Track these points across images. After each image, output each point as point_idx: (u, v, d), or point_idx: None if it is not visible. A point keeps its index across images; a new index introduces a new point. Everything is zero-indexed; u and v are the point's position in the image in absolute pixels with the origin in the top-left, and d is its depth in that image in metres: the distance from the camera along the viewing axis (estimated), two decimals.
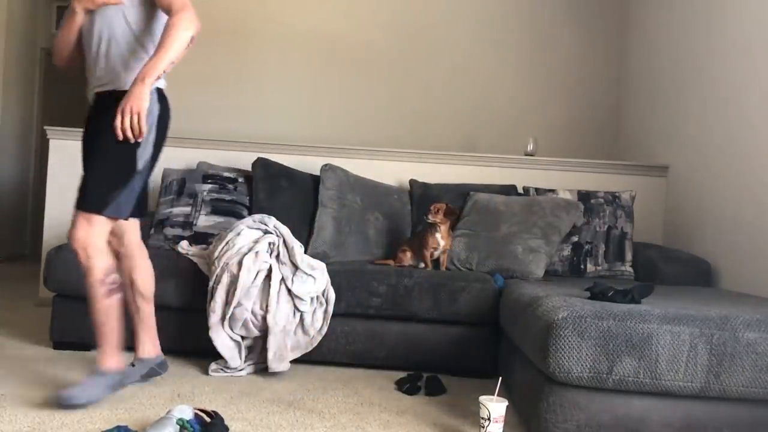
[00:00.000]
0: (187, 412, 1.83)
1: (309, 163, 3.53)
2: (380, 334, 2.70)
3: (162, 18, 2.10)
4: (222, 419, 1.87)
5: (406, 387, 2.42)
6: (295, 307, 2.58)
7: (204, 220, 3.13)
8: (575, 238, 3.19)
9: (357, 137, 4.36)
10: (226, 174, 3.31)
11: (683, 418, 1.79)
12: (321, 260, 2.78)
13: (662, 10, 3.81)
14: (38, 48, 6.12)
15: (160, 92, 2.18)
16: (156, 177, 3.51)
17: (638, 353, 1.75)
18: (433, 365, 2.66)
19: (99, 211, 2.00)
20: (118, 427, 1.77)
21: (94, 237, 2.01)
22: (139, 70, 1.98)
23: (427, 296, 2.67)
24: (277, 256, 2.63)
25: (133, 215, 2.17)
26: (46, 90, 6.20)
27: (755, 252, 2.71)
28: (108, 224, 2.05)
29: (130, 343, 2.30)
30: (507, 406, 1.89)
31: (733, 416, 1.79)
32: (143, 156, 2.08)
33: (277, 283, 2.56)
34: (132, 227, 2.26)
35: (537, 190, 3.39)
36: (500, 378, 2.10)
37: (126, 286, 2.24)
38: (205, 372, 2.51)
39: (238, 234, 2.67)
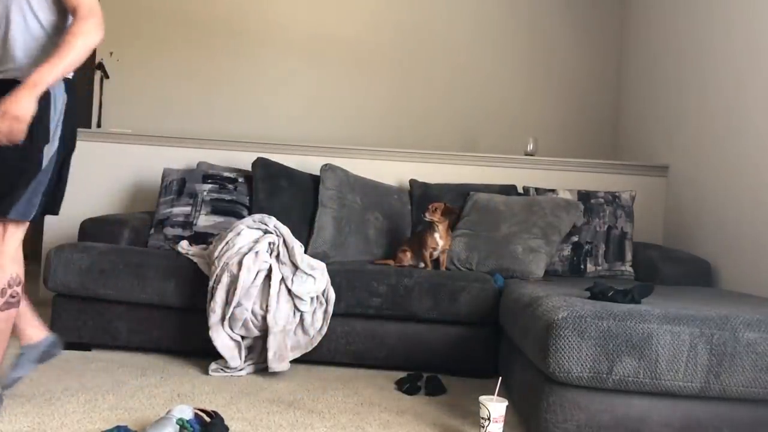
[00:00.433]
0: (187, 412, 1.83)
1: (309, 163, 3.53)
2: (380, 334, 2.70)
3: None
4: (222, 419, 1.87)
5: (406, 387, 2.42)
6: (295, 307, 2.58)
7: (204, 220, 3.13)
8: (575, 238, 3.19)
9: (357, 137, 4.36)
10: (226, 174, 3.31)
11: (683, 418, 1.79)
12: (321, 260, 2.78)
13: (662, 10, 3.81)
14: None
15: (67, 84, 1.96)
16: (156, 177, 3.54)
17: (638, 353, 1.75)
18: (433, 365, 2.66)
19: (4, 214, 1.84)
20: (118, 427, 1.77)
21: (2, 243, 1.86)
22: (30, 78, 1.78)
23: (427, 296, 2.67)
24: (277, 256, 2.63)
25: (46, 212, 2.00)
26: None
27: (755, 252, 2.71)
28: (19, 228, 1.90)
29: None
30: (507, 406, 1.89)
31: (733, 416, 1.79)
32: (48, 153, 1.90)
33: (277, 283, 2.56)
34: None
35: (537, 190, 3.39)
36: (500, 378, 2.10)
37: None
38: (205, 372, 2.51)
39: (238, 234, 2.67)
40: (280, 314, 2.54)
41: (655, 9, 3.91)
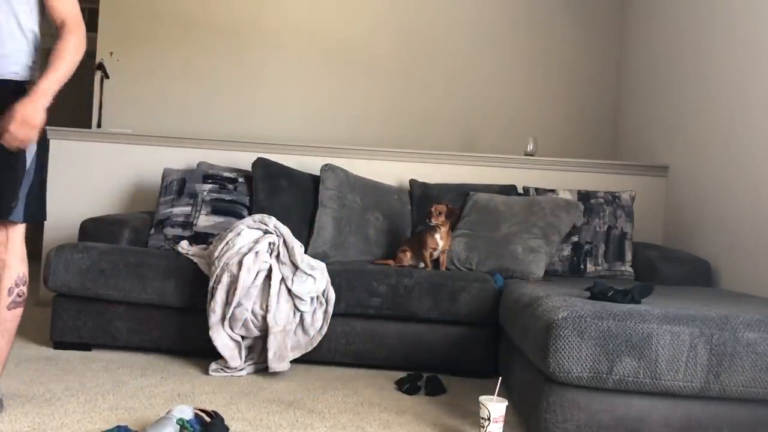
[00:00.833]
0: (187, 412, 1.83)
1: (309, 163, 3.53)
2: (380, 334, 2.70)
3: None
4: (222, 419, 1.87)
5: (406, 387, 2.42)
6: (295, 307, 2.58)
7: (204, 220, 3.13)
8: (575, 238, 3.19)
9: (357, 137, 4.36)
10: (226, 174, 3.31)
11: (683, 418, 1.79)
12: (321, 260, 2.78)
13: (662, 10, 3.81)
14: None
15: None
16: (156, 177, 3.54)
17: (638, 353, 1.75)
18: (433, 365, 2.66)
19: (5, 216, 1.85)
20: (118, 427, 1.77)
21: (8, 245, 1.88)
22: (39, 87, 1.82)
23: (427, 296, 2.67)
24: (277, 256, 2.63)
25: (34, 218, 1.97)
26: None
27: (755, 252, 2.71)
28: (19, 227, 1.90)
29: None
30: (507, 406, 1.90)
31: (733, 416, 1.79)
32: (30, 154, 1.89)
33: (277, 283, 2.56)
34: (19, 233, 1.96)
35: (537, 190, 3.39)
36: (500, 378, 2.10)
37: None
38: (205, 372, 2.51)
39: (238, 234, 2.67)
40: (280, 314, 2.54)
41: (656, 9, 3.91)
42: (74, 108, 5.83)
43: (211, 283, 2.58)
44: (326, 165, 3.32)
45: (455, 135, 4.42)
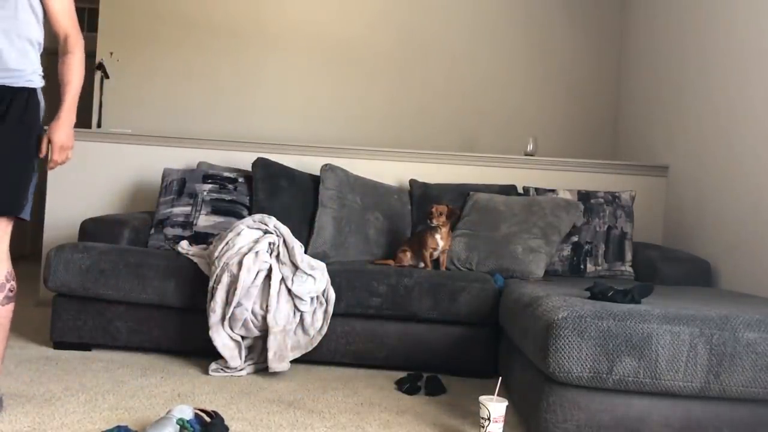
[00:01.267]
0: (187, 412, 1.83)
1: (309, 163, 3.53)
2: (380, 334, 2.70)
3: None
4: (222, 419, 1.87)
5: (406, 387, 2.42)
6: (295, 307, 2.58)
7: (204, 220, 3.13)
8: (575, 238, 3.19)
9: (357, 137, 4.36)
10: (226, 174, 3.31)
11: (683, 418, 1.79)
12: (321, 260, 2.78)
13: (662, 10, 3.81)
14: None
15: (42, 92, 2.09)
16: (156, 177, 3.54)
17: (638, 353, 1.75)
18: (433, 365, 2.66)
19: (18, 213, 1.92)
20: (118, 427, 1.77)
21: (4, 241, 1.94)
22: (65, 107, 2.01)
23: (427, 296, 2.67)
24: (277, 256, 2.63)
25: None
26: (46, 90, 6.18)
27: (755, 252, 2.71)
28: (10, 226, 1.96)
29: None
30: (507, 406, 1.89)
31: (733, 416, 1.79)
32: (35, 155, 2.00)
33: (277, 283, 2.56)
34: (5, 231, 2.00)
35: (537, 190, 3.39)
36: (500, 378, 2.10)
37: None
38: (205, 372, 2.51)
39: (238, 234, 2.67)
40: (280, 314, 2.54)
41: (656, 9, 3.91)
42: None
43: (211, 283, 2.58)
44: (326, 165, 3.32)
45: (455, 135, 4.42)
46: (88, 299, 2.69)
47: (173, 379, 2.41)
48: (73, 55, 2.03)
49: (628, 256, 3.19)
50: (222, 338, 2.53)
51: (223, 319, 2.53)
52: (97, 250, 2.73)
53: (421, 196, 3.46)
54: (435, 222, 2.96)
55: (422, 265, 3.04)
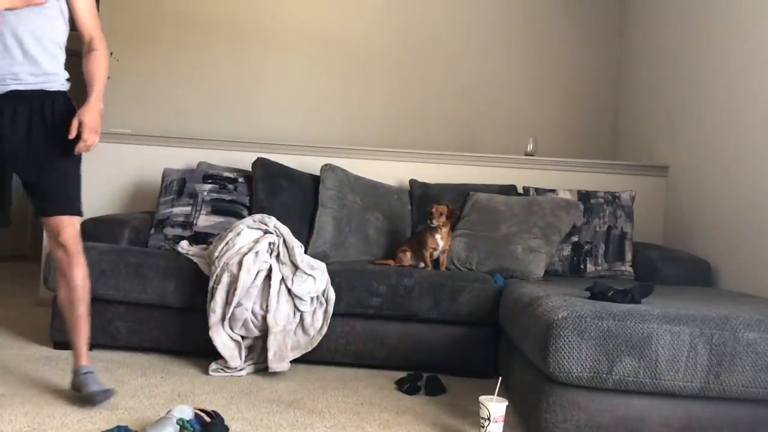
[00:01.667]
0: (187, 412, 1.84)
1: (309, 163, 3.53)
2: (380, 334, 2.70)
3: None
4: (222, 419, 1.87)
5: (406, 387, 2.42)
6: (295, 307, 2.58)
7: (204, 220, 3.13)
8: (575, 238, 3.19)
9: (357, 137, 4.36)
10: (226, 174, 3.31)
11: (683, 418, 1.79)
12: (321, 260, 2.78)
13: (662, 10, 3.81)
14: None
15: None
16: (156, 177, 3.54)
17: (638, 353, 1.75)
18: (433, 365, 2.66)
19: (81, 212, 2.14)
20: (119, 427, 1.77)
21: (78, 235, 2.15)
22: (94, 94, 2.09)
23: (427, 296, 2.67)
24: (277, 256, 2.63)
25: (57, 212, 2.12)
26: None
27: (755, 252, 2.71)
28: (78, 222, 2.17)
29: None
30: (507, 406, 1.89)
31: (733, 416, 1.79)
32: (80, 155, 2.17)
33: (277, 283, 2.56)
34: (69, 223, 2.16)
35: (537, 190, 3.39)
36: (500, 378, 2.10)
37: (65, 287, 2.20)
38: (205, 372, 2.51)
39: (238, 234, 2.67)
40: (280, 314, 2.54)
41: (656, 8, 3.91)
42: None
43: (211, 283, 2.58)
44: (326, 165, 3.32)
45: (455, 135, 4.41)
46: None
47: (173, 379, 2.41)
48: (99, 51, 2.15)
49: (628, 256, 3.19)
50: (222, 338, 2.53)
51: (223, 319, 2.53)
52: (97, 250, 2.73)
53: (421, 196, 3.46)
54: (435, 222, 2.96)
55: (422, 265, 3.04)
